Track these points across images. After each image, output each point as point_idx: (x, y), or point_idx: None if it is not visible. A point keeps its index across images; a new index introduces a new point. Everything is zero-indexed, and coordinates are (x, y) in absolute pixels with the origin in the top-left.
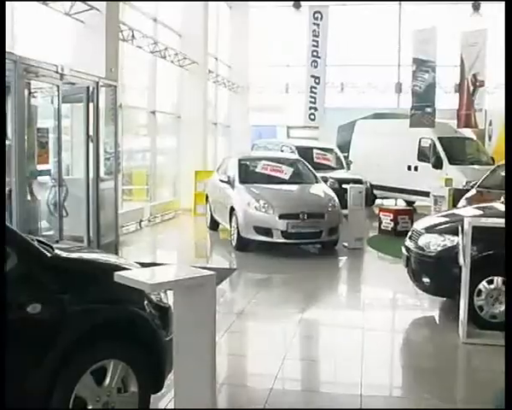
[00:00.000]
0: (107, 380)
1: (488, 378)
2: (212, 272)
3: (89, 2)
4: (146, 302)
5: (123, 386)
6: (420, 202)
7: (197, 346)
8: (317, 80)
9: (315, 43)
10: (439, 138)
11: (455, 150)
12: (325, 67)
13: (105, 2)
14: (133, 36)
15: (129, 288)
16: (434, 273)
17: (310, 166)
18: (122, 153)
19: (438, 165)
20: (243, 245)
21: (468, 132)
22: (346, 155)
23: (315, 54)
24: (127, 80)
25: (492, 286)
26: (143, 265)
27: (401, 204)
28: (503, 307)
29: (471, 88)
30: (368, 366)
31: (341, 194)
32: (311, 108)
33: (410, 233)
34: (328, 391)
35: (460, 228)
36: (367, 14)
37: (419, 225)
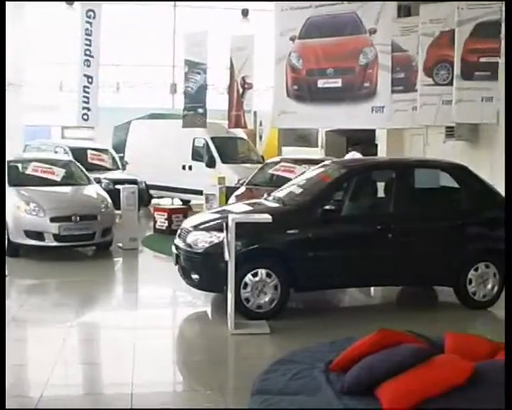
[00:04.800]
0: None
1: (255, 365)
2: None
3: None
4: None
5: None
6: (196, 200)
7: None
8: (90, 79)
9: (88, 42)
10: (211, 138)
11: (227, 150)
12: (98, 66)
13: None
14: None
15: None
16: (203, 269)
17: (82, 168)
18: None
19: (211, 164)
20: (14, 250)
21: (239, 132)
22: (122, 155)
23: (88, 53)
24: None
25: (257, 278)
26: None
27: (178, 203)
28: (267, 298)
29: (240, 90)
30: (140, 365)
31: (116, 195)
32: (84, 107)
33: (178, 231)
34: (99, 392)
35: (225, 225)
36: (143, 15)
37: (187, 223)
